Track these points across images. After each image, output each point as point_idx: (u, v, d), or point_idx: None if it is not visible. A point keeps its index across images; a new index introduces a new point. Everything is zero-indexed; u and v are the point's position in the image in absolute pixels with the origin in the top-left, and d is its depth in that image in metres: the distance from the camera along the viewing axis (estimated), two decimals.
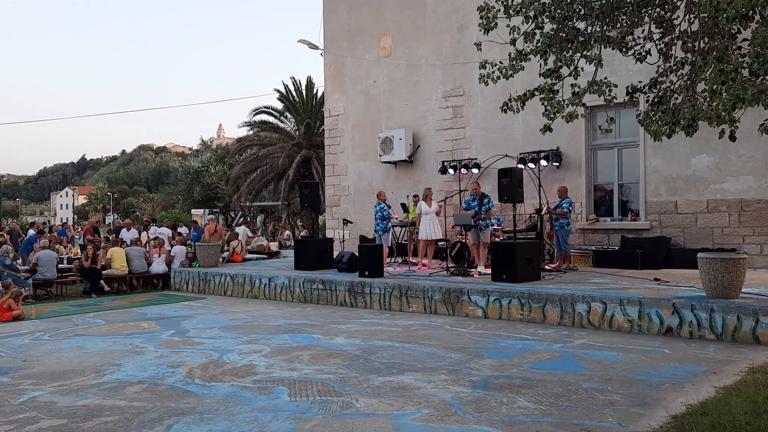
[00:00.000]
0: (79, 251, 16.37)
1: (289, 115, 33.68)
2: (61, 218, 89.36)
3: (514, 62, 7.20)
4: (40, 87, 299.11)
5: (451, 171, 15.25)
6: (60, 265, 14.00)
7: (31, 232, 18.33)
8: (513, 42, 7.24)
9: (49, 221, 64.06)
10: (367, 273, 11.48)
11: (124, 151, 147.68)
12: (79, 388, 5.95)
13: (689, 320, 7.81)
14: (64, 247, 16.90)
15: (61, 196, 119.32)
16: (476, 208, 11.67)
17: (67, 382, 6.18)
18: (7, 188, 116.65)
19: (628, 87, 7.45)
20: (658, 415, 4.82)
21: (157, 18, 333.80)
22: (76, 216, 76.72)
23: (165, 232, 17.97)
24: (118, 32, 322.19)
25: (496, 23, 7.08)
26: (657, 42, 7.36)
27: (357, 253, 12.31)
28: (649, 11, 7.17)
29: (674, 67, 7.18)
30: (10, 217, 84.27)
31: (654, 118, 6.83)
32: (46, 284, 13.49)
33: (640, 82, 7.49)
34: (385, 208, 13.36)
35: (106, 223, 61.56)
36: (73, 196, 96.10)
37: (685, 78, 6.87)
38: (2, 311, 10.17)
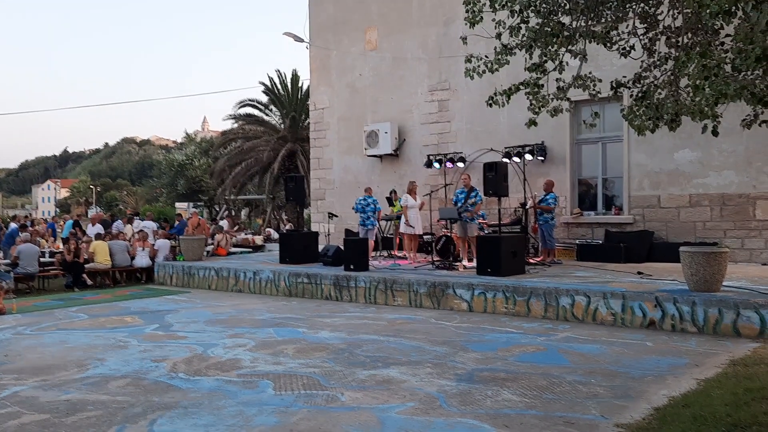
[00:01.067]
0: (61, 245, 16.21)
1: (274, 108, 33.55)
2: (43, 211, 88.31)
3: (499, 56, 7.21)
4: (21, 78, 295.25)
5: (436, 165, 15.27)
6: (42, 259, 13.84)
7: (13, 225, 18.12)
8: (498, 36, 7.25)
9: (30, 214, 63.31)
10: (352, 267, 11.47)
11: (107, 143, 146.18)
12: (62, 383, 5.89)
13: (671, 313, 7.90)
14: (46, 241, 16.72)
15: (42, 189, 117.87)
16: (462, 201, 11.72)
17: (49, 377, 6.12)
18: None
19: (612, 82, 7.49)
20: (641, 407, 4.88)
21: (141, 10, 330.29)
22: (58, 209, 75.90)
23: (149, 225, 17.83)
24: (101, 24, 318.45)
25: (481, 17, 7.08)
26: (641, 37, 7.40)
27: (342, 247, 12.30)
28: (633, 6, 7.21)
29: (658, 62, 7.23)
30: None
31: (638, 113, 6.88)
32: (27, 278, 13.33)
33: (625, 77, 7.53)
34: (377, 201, 13.41)
35: (89, 216, 60.99)
36: (55, 189, 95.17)
37: (669, 73, 6.92)
38: None
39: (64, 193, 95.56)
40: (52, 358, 6.93)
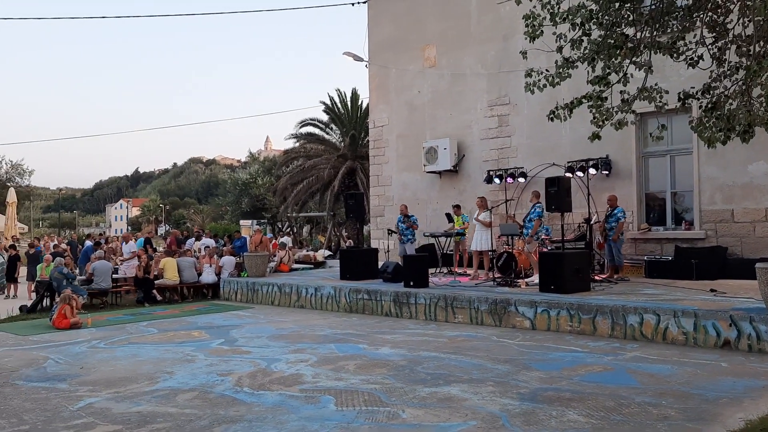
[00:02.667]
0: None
1: (334, 127, 34.06)
2: (116, 229, 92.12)
3: (560, 70, 7.12)
4: (96, 102, 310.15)
5: (496, 180, 15.13)
6: (115, 275, 14.42)
7: (88, 243, 18.99)
8: (559, 49, 7.17)
9: (104, 232, 66.15)
10: (412, 283, 11.46)
11: (175, 163, 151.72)
12: (133, 395, 6.11)
13: (748, 333, 7.52)
14: (118, 258, 17.41)
15: (115, 208, 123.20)
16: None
17: (121, 389, 6.35)
18: (65, 201, 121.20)
19: (680, 93, 7.28)
20: (715, 430, 4.66)
21: (205, 34, 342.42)
22: (129, 227, 79.09)
23: (209, 242, 18.37)
24: (168, 48, 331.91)
25: (542, 31, 7.02)
26: (710, 46, 7.17)
27: (402, 263, 12.31)
28: (701, 15, 7.00)
29: (728, 72, 6.98)
30: (68, 228, 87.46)
31: (708, 125, 6.66)
32: (101, 294, 13.91)
33: (693, 87, 7.30)
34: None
35: (158, 234, 63.22)
36: (127, 208, 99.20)
37: (740, 83, 6.67)
38: (60, 319, 10.53)
39: (135, 211, 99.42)
40: (124, 371, 7.19)
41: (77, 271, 14.86)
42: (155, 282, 14.39)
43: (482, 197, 13.19)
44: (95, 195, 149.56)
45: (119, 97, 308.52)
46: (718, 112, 6.59)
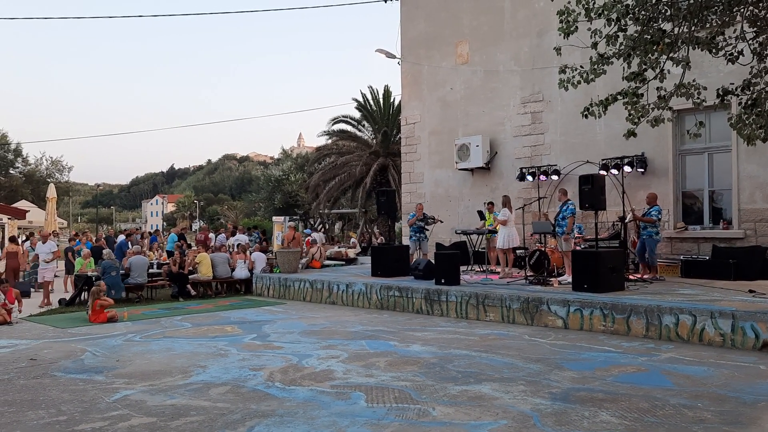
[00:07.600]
0: (167, 256, 17.17)
1: (366, 124, 34.15)
2: (151, 225, 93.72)
3: (595, 66, 7.03)
4: (133, 99, 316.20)
5: (529, 178, 14.99)
6: (150, 270, 14.69)
7: (122, 237, 19.41)
8: (594, 45, 7.07)
9: (140, 227, 67.38)
10: (443, 281, 11.43)
11: (209, 160, 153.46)
12: (168, 388, 6.22)
13: None
14: (154, 253, 17.74)
15: (151, 203, 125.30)
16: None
17: (156, 382, 6.47)
18: (102, 196, 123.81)
19: (718, 89, 7.12)
20: None
21: (241, 31, 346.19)
22: (165, 223, 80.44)
23: (242, 238, 18.59)
24: (201, 47, 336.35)
25: (576, 27, 6.94)
26: (750, 42, 6.99)
27: (433, 261, 12.28)
28: (742, 10, 6.83)
29: None
30: (106, 223, 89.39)
31: (747, 122, 6.51)
32: (137, 288, 14.19)
33: (732, 83, 7.14)
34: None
35: (193, 230, 64.20)
36: (162, 203, 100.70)
37: None
38: (97, 314, 10.77)
39: (170, 207, 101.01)
40: (158, 364, 7.33)
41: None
42: (189, 277, 14.63)
43: (505, 195, 13.12)
44: (132, 191, 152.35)
45: (155, 94, 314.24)
46: (759, 109, 6.44)
